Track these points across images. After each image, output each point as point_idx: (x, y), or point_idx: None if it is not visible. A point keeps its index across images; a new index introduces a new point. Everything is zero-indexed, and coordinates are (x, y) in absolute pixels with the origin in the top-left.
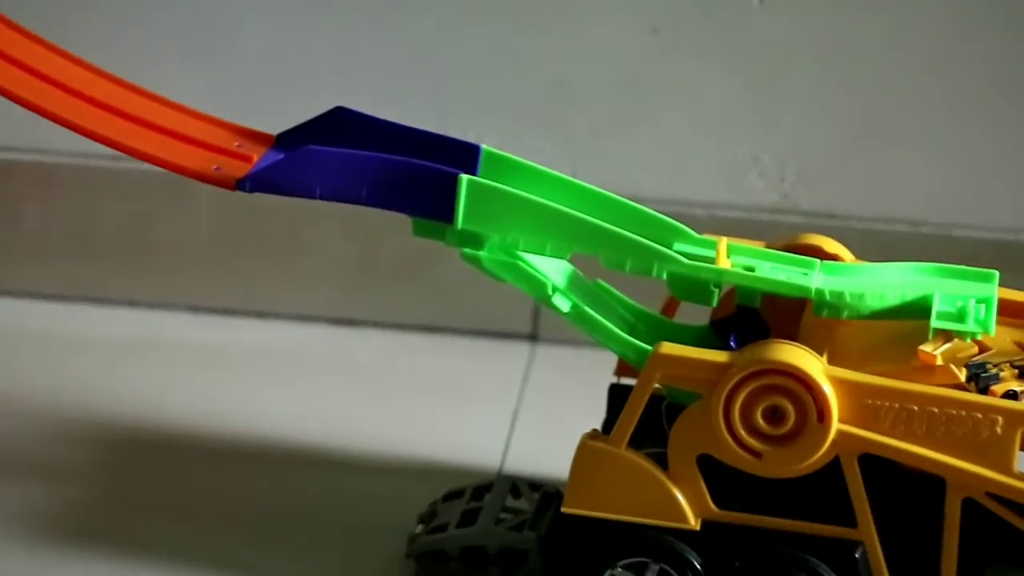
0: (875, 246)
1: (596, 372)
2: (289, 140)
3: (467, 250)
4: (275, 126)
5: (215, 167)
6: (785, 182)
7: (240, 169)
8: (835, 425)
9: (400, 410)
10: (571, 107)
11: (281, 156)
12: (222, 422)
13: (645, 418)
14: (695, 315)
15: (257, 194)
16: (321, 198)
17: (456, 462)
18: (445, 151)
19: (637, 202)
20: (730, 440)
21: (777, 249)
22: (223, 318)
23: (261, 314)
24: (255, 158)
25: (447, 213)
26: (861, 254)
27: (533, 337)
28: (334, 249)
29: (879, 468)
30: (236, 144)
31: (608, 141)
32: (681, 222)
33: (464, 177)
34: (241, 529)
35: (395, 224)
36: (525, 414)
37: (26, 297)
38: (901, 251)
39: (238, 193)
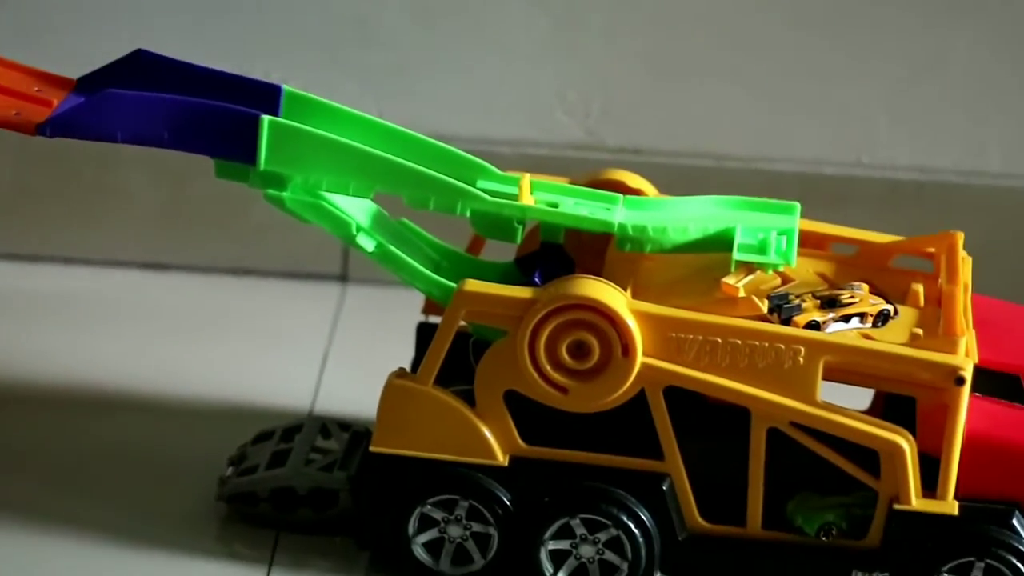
0: (682, 181)
1: (407, 312)
2: (90, 84)
3: (270, 191)
4: (75, 70)
5: (15, 112)
6: (590, 118)
7: (40, 114)
8: (639, 359)
9: (210, 353)
10: (375, 47)
11: (81, 100)
12: (29, 368)
13: (453, 356)
14: (502, 252)
15: (61, 139)
16: (123, 142)
17: (266, 404)
18: (247, 92)
19: (444, 141)
20: (536, 376)
21: (581, 185)
22: (28, 264)
23: (67, 260)
24: (55, 103)
25: (249, 154)
26: (667, 189)
27: (343, 278)
28: (140, 193)
29: (685, 401)
30: (36, 89)
31: (413, 80)
32: (488, 161)
33: (265, 118)
34: (50, 474)
35: (202, 167)
36: (335, 355)
37: None
38: (707, 185)
39: (41, 138)
